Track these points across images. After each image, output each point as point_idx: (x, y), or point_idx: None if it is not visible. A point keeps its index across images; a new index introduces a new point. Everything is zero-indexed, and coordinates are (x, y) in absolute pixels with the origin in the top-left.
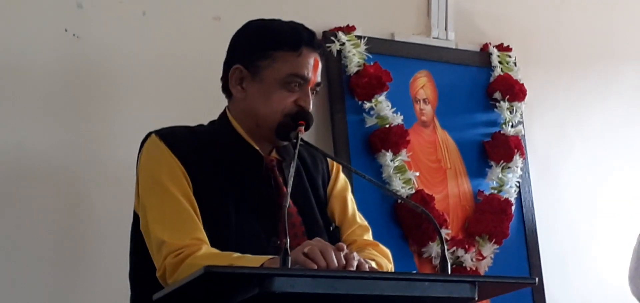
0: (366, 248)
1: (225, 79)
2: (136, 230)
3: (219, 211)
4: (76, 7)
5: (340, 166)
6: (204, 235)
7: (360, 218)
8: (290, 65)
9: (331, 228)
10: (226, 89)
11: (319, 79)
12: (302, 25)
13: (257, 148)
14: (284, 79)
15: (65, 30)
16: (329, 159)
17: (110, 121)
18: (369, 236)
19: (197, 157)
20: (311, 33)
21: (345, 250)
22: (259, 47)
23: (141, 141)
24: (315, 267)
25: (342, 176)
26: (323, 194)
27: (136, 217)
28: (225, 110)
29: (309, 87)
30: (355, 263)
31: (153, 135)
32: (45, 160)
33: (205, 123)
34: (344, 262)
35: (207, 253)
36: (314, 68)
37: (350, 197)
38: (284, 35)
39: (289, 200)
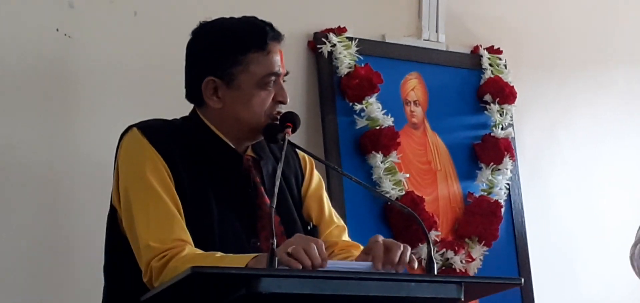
0: (348, 249)
1: (193, 89)
2: (112, 223)
3: (201, 210)
4: (68, 6)
5: (314, 164)
6: (187, 235)
7: (336, 218)
8: (262, 66)
9: (309, 228)
10: (194, 98)
11: (286, 68)
12: (257, 20)
13: (234, 148)
14: (261, 81)
15: (57, 29)
16: (300, 157)
17: (101, 121)
18: (346, 236)
19: (178, 153)
20: (270, 25)
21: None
22: (228, 54)
23: (121, 133)
24: (300, 267)
25: (316, 174)
26: (297, 193)
27: (113, 210)
28: (195, 110)
29: (281, 79)
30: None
31: (134, 129)
32: (33, 159)
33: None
34: (326, 255)
35: (190, 254)
36: (281, 60)
37: (325, 196)
38: (248, 36)
39: (275, 200)
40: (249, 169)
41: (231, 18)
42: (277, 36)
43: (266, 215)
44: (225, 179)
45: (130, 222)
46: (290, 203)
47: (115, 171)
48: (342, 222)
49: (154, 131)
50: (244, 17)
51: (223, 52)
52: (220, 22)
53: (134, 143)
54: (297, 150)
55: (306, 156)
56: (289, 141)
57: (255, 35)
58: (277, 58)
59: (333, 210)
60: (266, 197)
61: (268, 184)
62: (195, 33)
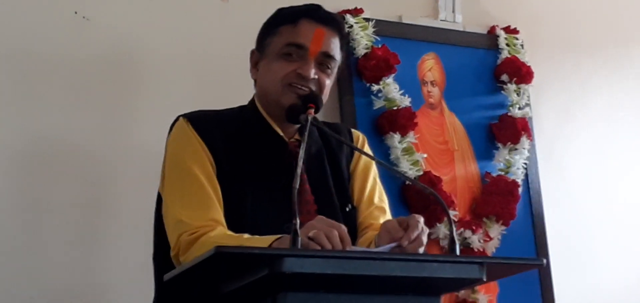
0: None
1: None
2: (160, 211)
3: (237, 195)
4: None
5: (365, 143)
6: (221, 217)
7: (378, 199)
8: (286, 36)
9: (347, 209)
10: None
11: (325, 49)
12: (314, 5)
13: (281, 134)
14: (281, 50)
15: (75, 12)
16: (354, 136)
17: (119, 102)
18: (385, 217)
19: (223, 141)
20: (316, 8)
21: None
22: (267, 28)
23: (170, 124)
24: None
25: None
26: (347, 173)
27: (160, 198)
28: (254, 94)
29: (312, 58)
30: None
31: (181, 118)
32: (56, 140)
33: (224, 108)
34: (349, 239)
35: (220, 233)
36: (315, 38)
37: (372, 176)
38: (287, 12)
39: (298, 181)
40: (294, 154)
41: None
42: (318, 18)
43: (304, 200)
44: (268, 164)
45: (166, 201)
46: (330, 186)
47: (164, 159)
48: (384, 204)
49: (201, 120)
50: (310, 3)
51: (265, 26)
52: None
53: (179, 131)
54: (353, 130)
55: (360, 136)
56: (322, 122)
57: (293, 12)
58: (307, 33)
59: (379, 191)
60: (307, 184)
61: (310, 167)
62: None
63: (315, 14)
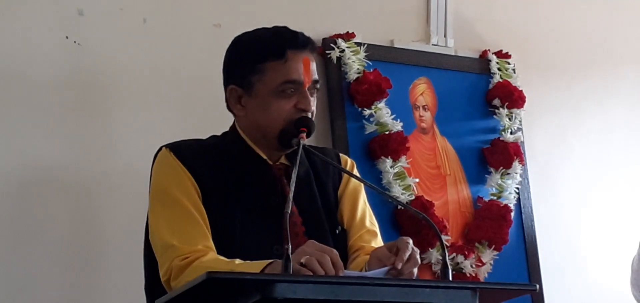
0: None
1: (225, 98)
2: (149, 243)
3: (225, 220)
4: (77, 14)
5: (355, 168)
6: (211, 243)
7: (370, 223)
8: (279, 74)
9: (337, 232)
10: (228, 108)
11: (314, 77)
12: (284, 29)
13: (265, 157)
14: (277, 89)
15: (66, 37)
16: (343, 161)
17: (111, 127)
18: (376, 241)
19: (206, 168)
20: (294, 34)
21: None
22: (248, 63)
23: (154, 155)
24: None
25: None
26: (334, 197)
27: (148, 230)
28: (234, 121)
29: (306, 89)
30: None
31: (164, 148)
32: (47, 166)
33: (217, 133)
34: (341, 264)
35: (212, 258)
36: (305, 69)
37: (361, 199)
38: (267, 45)
39: (291, 206)
40: (279, 177)
41: (263, 28)
42: (300, 45)
43: (291, 222)
44: (253, 188)
45: (153, 230)
46: (319, 208)
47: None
48: (375, 227)
49: (183, 149)
50: (275, 27)
51: (243, 61)
52: (250, 33)
53: (162, 161)
54: (341, 154)
55: (348, 160)
56: (315, 147)
57: (274, 44)
58: (298, 66)
59: (369, 214)
60: (294, 206)
61: (297, 190)
62: (231, 44)
63: (297, 41)
